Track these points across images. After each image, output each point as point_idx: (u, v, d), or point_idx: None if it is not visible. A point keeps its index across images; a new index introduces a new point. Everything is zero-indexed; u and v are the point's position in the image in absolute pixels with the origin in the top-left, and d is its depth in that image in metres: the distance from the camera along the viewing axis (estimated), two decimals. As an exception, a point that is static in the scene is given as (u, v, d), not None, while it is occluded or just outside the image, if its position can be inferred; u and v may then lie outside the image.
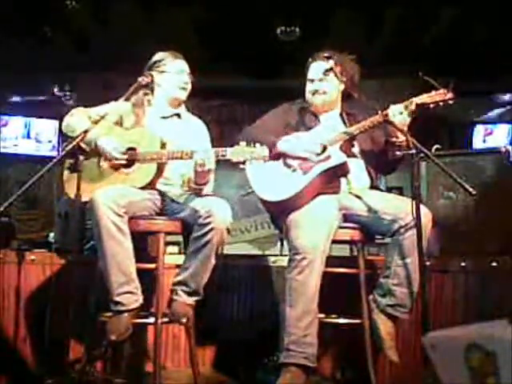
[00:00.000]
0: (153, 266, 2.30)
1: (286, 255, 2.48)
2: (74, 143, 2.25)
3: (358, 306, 2.38)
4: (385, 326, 2.26)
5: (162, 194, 2.48)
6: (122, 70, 4.14)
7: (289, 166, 2.45)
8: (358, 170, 2.49)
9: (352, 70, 2.55)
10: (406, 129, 2.29)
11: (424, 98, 2.31)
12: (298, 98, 2.67)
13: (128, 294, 2.21)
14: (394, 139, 2.40)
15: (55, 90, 5.68)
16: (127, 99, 2.48)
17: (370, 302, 2.33)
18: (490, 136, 6.01)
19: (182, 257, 2.39)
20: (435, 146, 2.99)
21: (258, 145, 2.23)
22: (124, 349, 2.67)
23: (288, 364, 2.20)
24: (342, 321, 2.43)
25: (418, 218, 2.09)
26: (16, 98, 5.83)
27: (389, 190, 4.04)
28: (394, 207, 2.32)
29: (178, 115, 2.65)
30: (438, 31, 4.82)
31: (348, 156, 2.43)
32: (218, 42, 4.96)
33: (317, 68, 2.57)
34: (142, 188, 2.39)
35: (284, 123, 2.59)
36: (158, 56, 2.61)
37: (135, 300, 2.23)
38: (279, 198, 2.38)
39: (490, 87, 5.60)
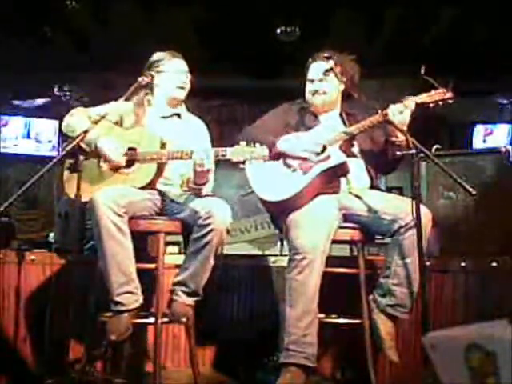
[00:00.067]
0: (153, 266, 2.30)
1: (286, 255, 2.48)
2: (74, 143, 2.25)
3: (358, 306, 2.38)
4: (385, 326, 2.26)
5: (162, 194, 2.48)
6: (121, 70, 4.14)
7: (289, 166, 2.45)
8: (357, 169, 2.49)
9: (352, 70, 2.55)
10: (405, 128, 2.29)
11: (424, 98, 2.32)
12: (297, 98, 2.67)
13: (128, 293, 2.21)
14: (393, 139, 2.40)
15: (55, 89, 5.68)
16: (127, 99, 2.48)
17: (370, 301, 2.33)
18: (489, 136, 6.00)
19: (182, 257, 2.38)
20: (435, 146, 2.99)
21: (257, 145, 2.23)
22: (124, 349, 2.67)
23: (288, 364, 2.20)
24: (341, 321, 2.43)
25: (418, 218, 2.09)
26: (17, 102, 5.83)
27: (389, 190, 4.05)
28: (394, 207, 2.31)
29: (178, 115, 2.65)
30: (438, 31, 4.83)
31: (348, 156, 2.43)
32: (217, 42, 4.96)
33: (317, 68, 2.57)
34: (142, 188, 2.39)
35: (284, 123, 2.59)
36: (156, 56, 2.61)
37: (135, 300, 2.23)
38: (279, 197, 2.38)
39: (490, 87, 5.59)
